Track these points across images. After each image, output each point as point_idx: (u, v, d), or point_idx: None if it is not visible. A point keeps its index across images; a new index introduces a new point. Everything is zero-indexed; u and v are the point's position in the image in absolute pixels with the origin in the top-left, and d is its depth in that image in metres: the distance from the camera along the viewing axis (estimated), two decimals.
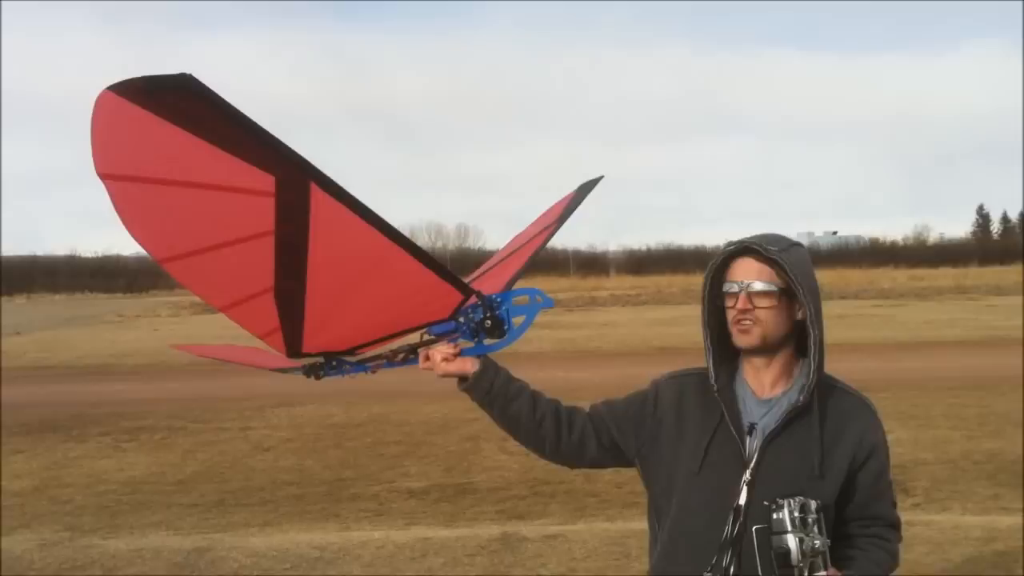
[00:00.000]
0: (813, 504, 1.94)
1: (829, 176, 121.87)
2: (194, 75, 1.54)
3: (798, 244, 2.13)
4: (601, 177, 2.89)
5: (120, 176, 1.71)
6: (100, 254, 74.72)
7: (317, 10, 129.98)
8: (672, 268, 62.64)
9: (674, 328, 23.24)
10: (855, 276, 48.01)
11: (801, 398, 2.05)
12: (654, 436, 2.22)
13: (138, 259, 76.26)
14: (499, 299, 2.27)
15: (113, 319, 34.33)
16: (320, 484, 8.00)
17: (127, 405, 12.59)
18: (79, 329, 29.50)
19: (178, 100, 1.56)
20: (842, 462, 2.03)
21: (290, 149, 1.68)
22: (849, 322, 23.46)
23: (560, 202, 2.83)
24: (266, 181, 1.70)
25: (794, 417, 2.05)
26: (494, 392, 2.30)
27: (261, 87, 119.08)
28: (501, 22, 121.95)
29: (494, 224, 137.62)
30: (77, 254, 74.03)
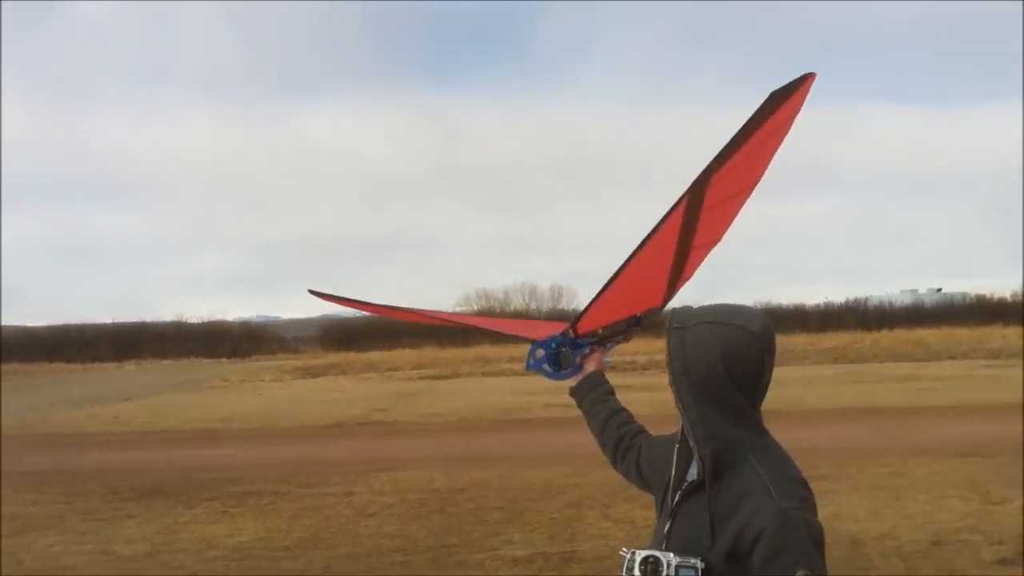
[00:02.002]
0: (667, 561, 1.92)
1: (932, 231, 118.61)
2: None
3: (714, 323, 2.03)
4: (810, 75, 2.57)
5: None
6: (205, 319, 76.64)
7: (415, 75, 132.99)
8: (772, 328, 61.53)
9: (775, 390, 22.57)
10: (963, 335, 46.40)
11: (696, 475, 2.02)
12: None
13: (241, 324, 78.25)
14: (579, 343, 2.61)
15: (218, 384, 35.10)
16: (425, 551, 7.99)
17: (234, 470, 12.82)
18: (186, 394, 30.24)
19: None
20: (727, 539, 1.92)
21: None
22: (960, 383, 22.66)
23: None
24: None
25: (696, 487, 2.01)
26: (583, 408, 2.63)
27: (361, 150, 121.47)
28: (594, 84, 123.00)
29: (588, 285, 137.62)
30: (183, 320, 75.96)
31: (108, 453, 15.37)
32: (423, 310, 3.23)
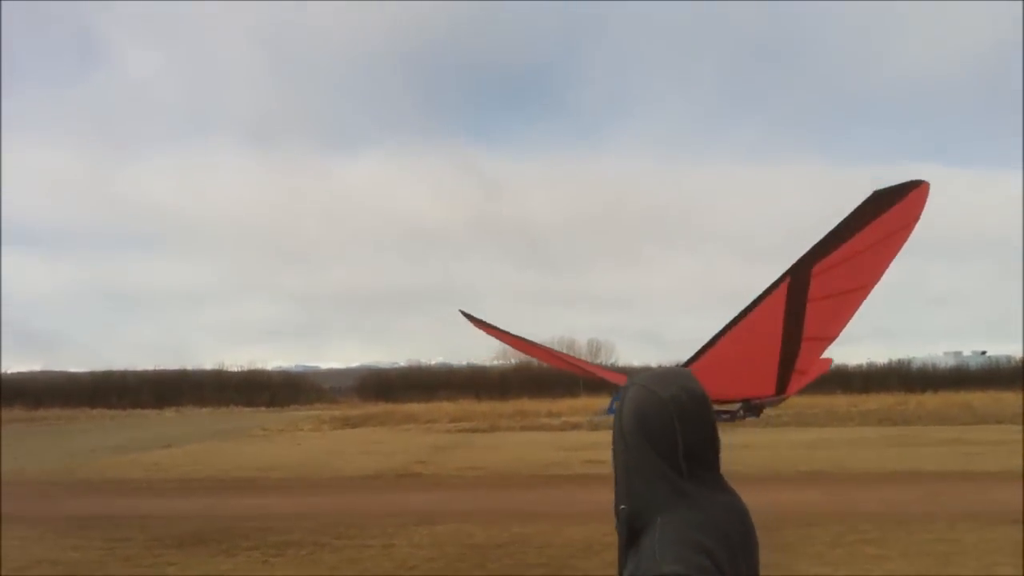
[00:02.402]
0: None
1: (976, 293, 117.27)
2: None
3: (639, 385, 2.06)
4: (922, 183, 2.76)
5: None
6: (245, 368, 77.30)
7: (455, 131, 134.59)
8: (813, 389, 60.55)
9: (819, 451, 22.45)
10: (1009, 398, 45.57)
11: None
12: None
13: (281, 373, 78.76)
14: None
15: (258, 432, 35.25)
16: None
17: (274, 519, 12.82)
18: (226, 442, 30.38)
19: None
20: None
21: None
22: (1007, 448, 22.18)
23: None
24: None
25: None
26: None
27: (401, 203, 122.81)
28: (632, 141, 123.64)
29: (625, 340, 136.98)
30: (224, 368, 76.65)
31: (149, 499, 15.45)
32: (559, 352, 3.29)
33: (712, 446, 2.04)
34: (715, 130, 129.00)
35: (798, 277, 2.48)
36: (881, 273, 2.67)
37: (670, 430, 1.97)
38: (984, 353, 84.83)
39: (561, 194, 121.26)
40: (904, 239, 2.65)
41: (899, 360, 73.76)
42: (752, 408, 2.52)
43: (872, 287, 2.67)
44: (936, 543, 10.20)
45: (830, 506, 13.08)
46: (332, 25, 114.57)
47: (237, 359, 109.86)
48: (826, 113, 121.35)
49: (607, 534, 11.05)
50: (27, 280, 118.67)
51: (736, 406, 2.59)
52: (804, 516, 12.13)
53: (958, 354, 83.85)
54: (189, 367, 76.50)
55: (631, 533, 1.97)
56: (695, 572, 1.83)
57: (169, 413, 58.78)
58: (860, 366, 71.37)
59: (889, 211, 2.53)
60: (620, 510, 2.00)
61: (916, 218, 2.65)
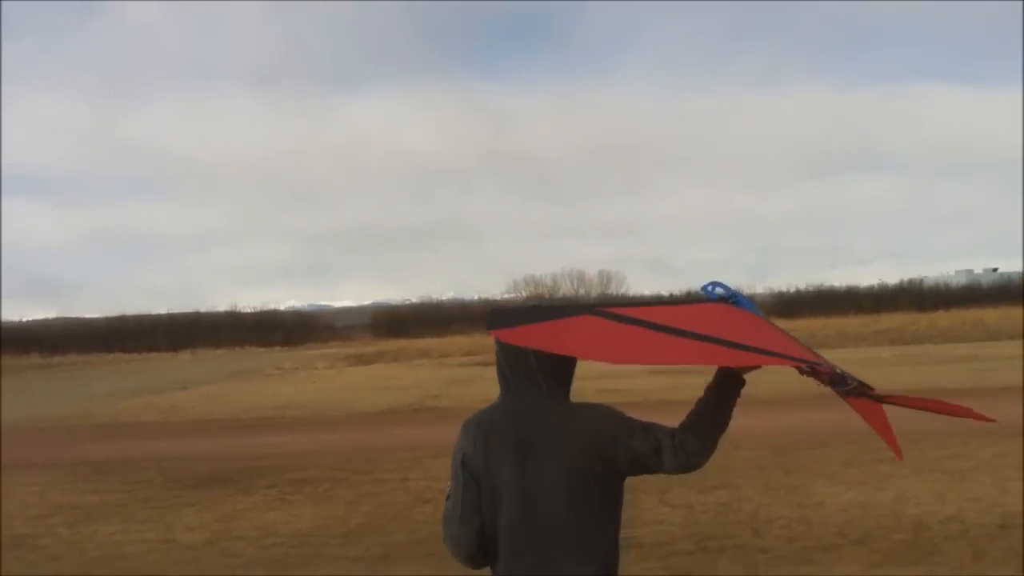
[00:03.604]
0: None
1: (986, 211, 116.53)
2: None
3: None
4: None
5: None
6: (258, 309, 77.48)
7: (460, 66, 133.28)
8: (824, 310, 60.57)
9: None
10: (1021, 314, 45.46)
11: None
12: None
13: (294, 313, 78.99)
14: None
15: (273, 372, 35.46)
16: None
17: (290, 457, 12.92)
18: (241, 383, 30.58)
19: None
20: None
21: None
22: (1020, 363, 22.18)
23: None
24: None
25: None
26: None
27: (407, 141, 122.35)
28: (638, 71, 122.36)
29: (636, 269, 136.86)
30: (237, 309, 76.86)
31: (166, 442, 15.57)
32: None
33: (508, 365, 2.51)
34: (721, 56, 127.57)
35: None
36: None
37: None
38: (996, 270, 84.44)
39: (568, 126, 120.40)
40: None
41: (910, 280, 73.60)
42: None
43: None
44: (950, 459, 10.22)
45: (843, 426, 13.05)
46: None
47: (250, 300, 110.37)
48: (833, 35, 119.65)
49: None
50: (39, 229, 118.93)
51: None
52: (818, 437, 12.16)
53: (969, 272, 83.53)
54: (202, 309, 76.82)
55: None
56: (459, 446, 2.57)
57: (184, 355, 59.15)
58: (871, 287, 71.31)
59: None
60: None
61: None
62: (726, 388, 2.45)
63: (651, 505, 8.72)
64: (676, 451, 2.36)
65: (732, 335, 2.32)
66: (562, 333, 2.39)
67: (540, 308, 2.58)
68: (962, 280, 77.57)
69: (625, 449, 2.38)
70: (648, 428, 2.41)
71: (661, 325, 2.39)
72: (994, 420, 2.51)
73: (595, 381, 18.81)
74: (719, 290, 2.59)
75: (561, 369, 2.49)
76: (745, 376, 2.49)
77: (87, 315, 77.73)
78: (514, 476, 2.40)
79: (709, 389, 2.46)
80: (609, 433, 2.40)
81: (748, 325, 2.47)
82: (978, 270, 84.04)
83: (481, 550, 2.51)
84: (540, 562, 2.39)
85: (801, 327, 48.78)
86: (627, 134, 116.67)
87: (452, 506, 2.56)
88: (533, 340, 2.39)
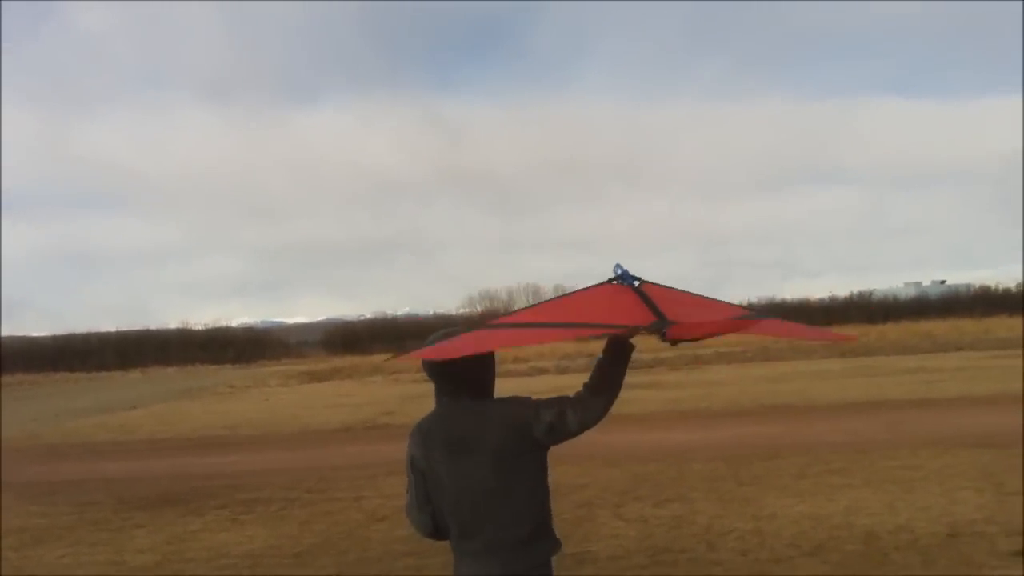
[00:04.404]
0: None
1: (935, 224, 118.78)
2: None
3: None
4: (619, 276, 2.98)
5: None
6: (209, 326, 76.76)
7: (416, 79, 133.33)
8: None
9: (783, 384, 22.71)
10: (968, 326, 46.32)
11: None
12: None
13: (245, 330, 78.29)
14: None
15: (224, 390, 35.09)
16: (437, 554, 7.90)
17: (242, 477, 12.77)
18: (192, 401, 30.22)
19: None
20: None
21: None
22: (968, 374, 22.59)
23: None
24: None
25: None
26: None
27: (363, 154, 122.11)
28: (594, 84, 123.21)
29: (591, 283, 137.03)
30: (188, 326, 76.08)
31: (116, 462, 15.33)
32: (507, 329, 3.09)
33: (443, 374, 2.99)
34: (677, 69, 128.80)
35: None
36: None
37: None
38: (943, 283, 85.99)
39: (524, 139, 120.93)
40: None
41: (860, 292, 74.69)
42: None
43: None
44: (899, 470, 10.35)
45: (795, 438, 13.24)
46: None
47: (202, 317, 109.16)
48: (789, 48, 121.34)
49: (576, 476, 11.11)
50: None
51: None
52: (769, 449, 12.27)
53: (918, 284, 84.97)
54: (152, 327, 75.94)
55: None
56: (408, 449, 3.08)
57: (134, 374, 58.41)
58: (822, 299, 72.36)
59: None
60: None
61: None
62: (612, 353, 2.85)
63: (606, 519, 8.74)
64: (575, 409, 2.81)
65: (584, 316, 2.75)
66: (449, 345, 2.84)
67: (440, 334, 3.04)
68: (911, 292, 78.89)
69: (537, 424, 2.83)
70: (551, 400, 2.88)
71: (525, 323, 2.94)
72: (854, 337, 3.07)
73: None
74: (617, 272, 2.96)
75: (480, 378, 3.02)
76: (633, 342, 2.90)
77: (34, 333, 76.56)
78: (449, 469, 2.92)
79: (602, 354, 2.88)
80: (521, 416, 2.87)
81: (609, 303, 2.84)
82: (926, 283, 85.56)
83: (437, 529, 3.07)
84: (484, 530, 2.90)
85: (754, 340, 49.24)
86: (583, 147, 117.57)
87: (409, 498, 3.10)
88: (427, 354, 2.92)
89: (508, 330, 3.02)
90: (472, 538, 2.93)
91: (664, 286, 2.96)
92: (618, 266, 2.94)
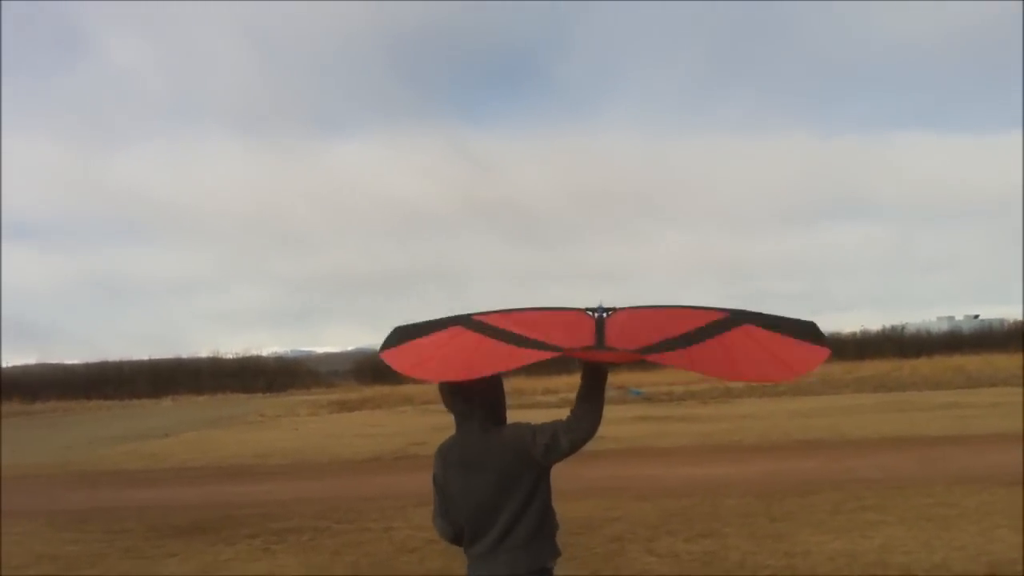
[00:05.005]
0: None
1: (968, 258, 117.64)
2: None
3: None
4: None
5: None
6: (240, 355, 77.16)
7: (443, 112, 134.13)
8: None
9: (815, 419, 22.50)
10: (1002, 361, 45.63)
11: None
12: None
13: (277, 359, 78.65)
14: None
15: (255, 419, 35.22)
16: None
17: (273, 506, 12.81)
18: (223, 430, 30.35)
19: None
20: None
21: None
22: (1002, 410, 22.28)
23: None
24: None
25: None
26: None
27: (391, 186, 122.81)
28: (620, 117, 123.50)
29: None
30: (219, 355, 76.51)
31: (147, 490, 15.43)
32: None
33: (456, 407, 3.43)
34: (705, 103, 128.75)
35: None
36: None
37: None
38: (977, 317, 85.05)
39: (552, 171, 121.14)
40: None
41: (892, 326, 73.97)
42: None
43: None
44: (935, 507, 10.22)
45: (828, 474, 13.11)
46: (317, 8, 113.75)
47: (232, 346, 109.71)
48: (815, 83, 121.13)
49: (608, 509, 11.06)
50: (21, 273, 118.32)
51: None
52: (803, 485, 12.15)
53: (951, 319, 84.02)
54: (184, 355, 76.40)
55: None
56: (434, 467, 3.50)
57: (166, 402, 58.72)
58: (854, 333, 71.59)
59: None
60: None
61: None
62: (588, 380, 3.25)
63: (637, 554, 8.69)
64: (566, 432, 3.23)
65: (538, 333, 3.22)
66: (427, 353, 3.38)
67: (421, 324, 3.53)
68: (943, 327, 77.98)
69: (535, 447, 3.26)
70: (546, 425, 3.29)
71: (495, 327, 3.35)
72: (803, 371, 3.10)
73: None
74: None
75: (491, 405, 3.43)
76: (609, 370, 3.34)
77: (68, 361, 77.22)
78: (462, 485, 3.36)
79: (581, 381, 3.26)
80: (521, 440, 3.29)
81: (564, 327, 3.28)
82: (959, 317, 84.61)
83: (457, 536, 3.45)
84: (490, 536, 3.30)
85: None
86: (610, 179, 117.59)
87: (435, 508, 3.52)
88: (404, 362, 3.40)
89: (480, 352, 3.30)
90: (480, 542, 3.33)
91: (643, 308, 3.35)
92: (600, 307, 3.31)
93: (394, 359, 3.44)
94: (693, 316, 3.22)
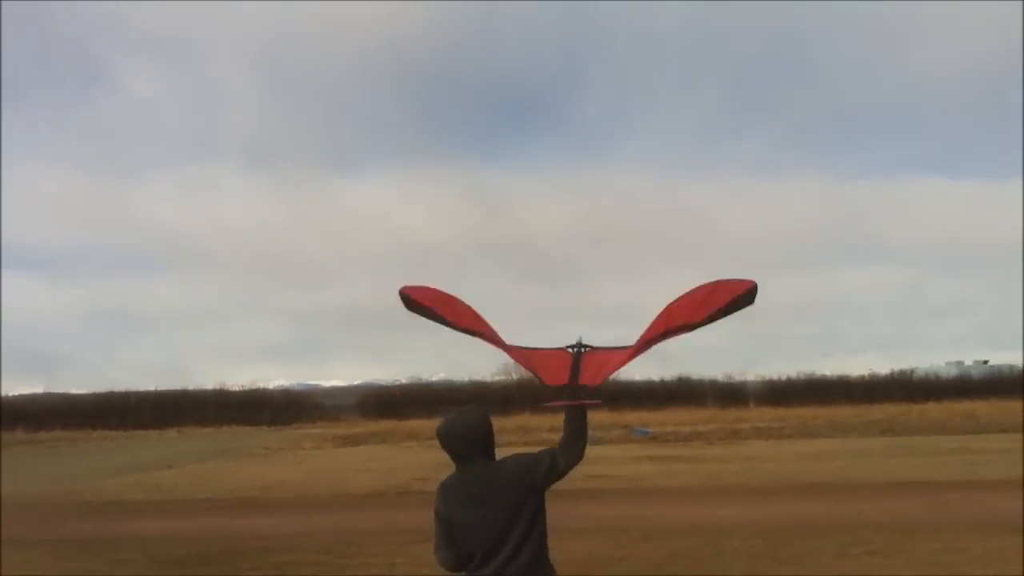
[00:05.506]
0: None
1: (977, 304, 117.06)
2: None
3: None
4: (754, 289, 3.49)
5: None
6: (246, 387, 76.98)
7: (455, 149, 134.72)
8: (815, 399, 60.41)
9: (822, 462, 22.36)
10: (1012, 407, 45.35)
11: None
12: None
13: (282, 392, 78.52)
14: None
15: (259, 451, 35.11)
16: None
17: (275, 539, 12.75)
18: (228, 462, 30.26)
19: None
20: None
21: None
22: (1012, 457, 22.11)
23: (710, 299, 3.60)
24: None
25: None
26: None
27: (402, 222, 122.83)
28: (634, 156, 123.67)
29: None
30: (224, 387, 76.36)
31: (150, 521, 15.38)
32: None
33: (455, 449, 3.83)
34: (718, 145, 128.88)
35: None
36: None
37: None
38: (986, 362, 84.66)
39: (563, 209, 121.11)
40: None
41: (901, 370, 73.62)
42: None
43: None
44: (942, 553, 10.14)
45: (835, 517, 13.02)
46: (332, 44, 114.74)
47: (238, 378, 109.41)
48: (830, 126, 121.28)
49: (612, 549, 10.99)
50: (28, 302, 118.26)
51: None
52: (810, 528, 12.06)
53: (960, 363, 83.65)
54: (190, 387, 76.28)
55: None
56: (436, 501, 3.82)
57: (171, 433, 58.56)
58: (862, 377, 71.09)
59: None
60: None
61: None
62: (570, 414, 3.78)
63: None
64: (562, 455, 3.73)
65: (530, 364, 4.01)
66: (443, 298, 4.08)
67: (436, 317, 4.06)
68: (953, 371, 77.64)
69: (538, 471, 3.70)
70: (543, 452, 3.78)
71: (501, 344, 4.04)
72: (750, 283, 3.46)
73: (585, 467, 18.71)
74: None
75: (486, 446, 3.83)
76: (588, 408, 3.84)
77: (73, 390, 77.10)
78: (467, 517, 3.68)
79: (565, 415, 3.79)
80: (524, 467, 3.72)
81: (550, 363, 4.01)
82: (968, 362, 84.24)
83: (459, 563, 3.74)
84: (495, 561, 3.63)
85: (793, 415, 48.70)
86: (622, 219, 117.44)
87: (437, 539, 3.80)
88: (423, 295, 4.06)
89: (484, 324, 4.03)
90: (486, 567, 3.65)
91: (610, 348, 3.99)
92: (579, 343, 3.99)
93: (412, 290, 4.02)
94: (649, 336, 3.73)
